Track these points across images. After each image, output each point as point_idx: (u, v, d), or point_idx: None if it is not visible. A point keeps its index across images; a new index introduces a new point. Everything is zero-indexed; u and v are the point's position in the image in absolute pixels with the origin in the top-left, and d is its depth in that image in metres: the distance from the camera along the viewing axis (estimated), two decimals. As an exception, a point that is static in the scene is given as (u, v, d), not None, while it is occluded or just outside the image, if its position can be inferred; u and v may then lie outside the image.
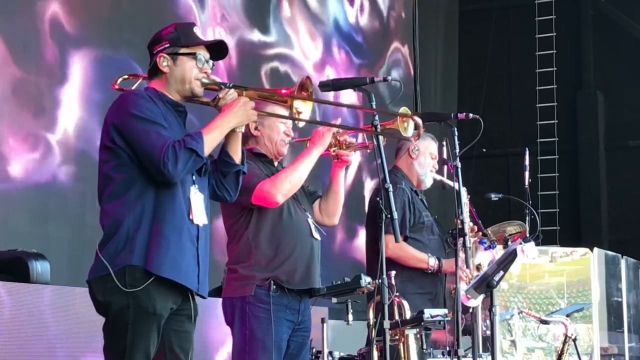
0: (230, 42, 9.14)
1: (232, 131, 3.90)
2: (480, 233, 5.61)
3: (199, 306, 3.94)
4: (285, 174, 4.65)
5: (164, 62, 3.85)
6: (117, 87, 4.10)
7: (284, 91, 3.97)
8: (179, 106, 3.91)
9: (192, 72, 3.85)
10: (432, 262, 5.60)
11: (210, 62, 3.91)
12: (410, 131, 4.95)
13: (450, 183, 5.66)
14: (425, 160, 5.82)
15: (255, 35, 9.85)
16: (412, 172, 5.84)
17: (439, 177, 5.82)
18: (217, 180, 3.99)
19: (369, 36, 12.01)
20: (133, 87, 4.02)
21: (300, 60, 10.50)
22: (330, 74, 10.73)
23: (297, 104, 3.91)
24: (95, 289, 3.72)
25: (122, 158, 3.72)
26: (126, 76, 4.14)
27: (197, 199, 3.82)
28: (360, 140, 4.91)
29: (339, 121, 4.82)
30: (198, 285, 3.82)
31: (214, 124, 3.81)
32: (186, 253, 3.74)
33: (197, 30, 3.92)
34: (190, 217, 3.77)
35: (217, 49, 3.95)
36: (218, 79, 3.93)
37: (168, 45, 3.84)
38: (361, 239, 9.61)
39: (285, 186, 4.61)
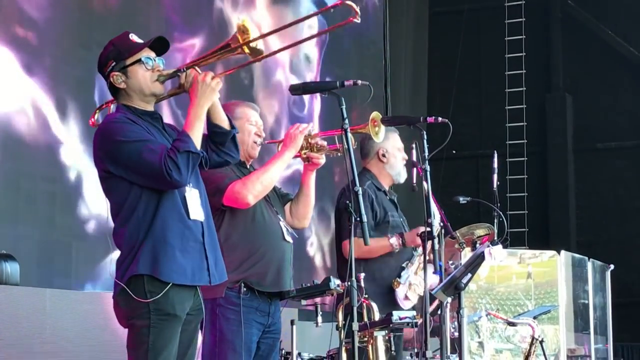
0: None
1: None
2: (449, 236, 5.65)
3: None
4: (256, 176, 4.68)
5: (118, 80, 3.92)
6: (94, 121, 4.11)
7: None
8: (154, 114, 3.98)
9: (146, 76, 3.91)
10: (394, 241, 5.64)
11: (158, 58, 3.95)
12: (381, 136, 4.99)
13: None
14: (396, 160, 5.87)
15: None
16: (384, 175, 5.88)
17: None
18: (216, 149, 4.05)
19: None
20: (110, 112, 4.05)
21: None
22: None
23: (248, 47, 3.88)
24: (120, 302, 3.81)
25: (121, 184, 3.81)
26: (98, 110, 4.17)
27: (192, 195, 3.91)
28: (331, 143, 4.93)
29: (311, 125, 4.85)
30: (209, 278, 3.89)
31: (191, 117, 3.87)
32: (191, 254, 3.83)
33: (133, 37, 3.96)
34: (190, 216, 3.86)
35: (160, 44, 3.98)
36: (171, 70, 3.95)
37: (114, 63, 3.91)
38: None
39: (256, 187, 4.63)
